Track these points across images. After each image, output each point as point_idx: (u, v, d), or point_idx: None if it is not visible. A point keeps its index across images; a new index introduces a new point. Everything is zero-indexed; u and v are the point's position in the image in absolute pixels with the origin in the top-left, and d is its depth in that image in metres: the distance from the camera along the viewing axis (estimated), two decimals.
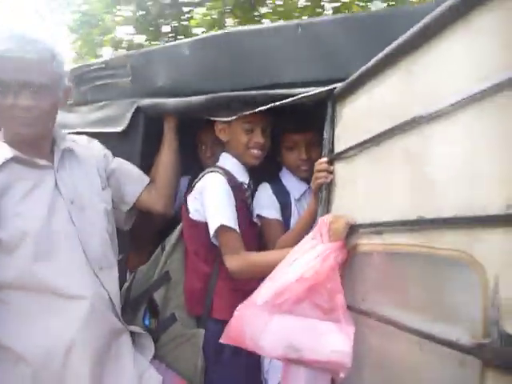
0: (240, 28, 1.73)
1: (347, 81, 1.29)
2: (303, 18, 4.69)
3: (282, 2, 5.08)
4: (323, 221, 1.25)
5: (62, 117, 1.49)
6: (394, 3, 4.90)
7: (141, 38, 5.46)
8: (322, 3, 5.00)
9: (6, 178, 1.23)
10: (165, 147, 1.70)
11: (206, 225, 1.48)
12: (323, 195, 1.37)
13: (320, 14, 4.87)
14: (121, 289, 1.51)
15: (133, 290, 1.62)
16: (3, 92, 1.21)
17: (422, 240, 0.91)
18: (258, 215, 1.67)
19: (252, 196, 1.70)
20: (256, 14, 5.29)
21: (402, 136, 1.00)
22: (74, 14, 5.37)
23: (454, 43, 0.87)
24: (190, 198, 1.57)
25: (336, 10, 4.80)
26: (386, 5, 4.63)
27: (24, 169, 1.28)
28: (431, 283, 0.88)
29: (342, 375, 1.08)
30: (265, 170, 1.75)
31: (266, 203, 1.68)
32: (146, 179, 1.64)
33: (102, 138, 1.71)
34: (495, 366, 0.69)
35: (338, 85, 1.35)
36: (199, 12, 5.37)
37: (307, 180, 1.60)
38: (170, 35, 5.59)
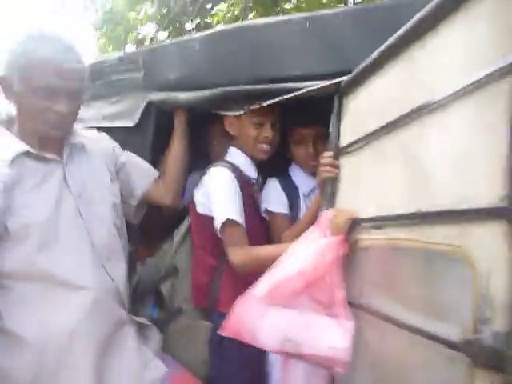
0: (249, 22, 1.72)
1: (352, 74, 1.27)
2: None
3: None
4: (325, 215, 1.24)
5: None
6: None
7: (164, 35, 5.52)
8: None
9: (16, 172, 1.25)
10: (175, 141, 1.71)
11: (212, 219, 1.49)
12: (328, 189, 1.36)
13: None
14: (130, 281, 1.53)
15: (141, 282, 1.64)
16: (39, 96, 1.24)
17: (418, 234, 0.89)
18: (265, 210, 1.67)
19: (261, 191, 1.70)
20: (278, 9, 5.26)
21: (400, 129, 0.98)
22: (98, 12, 5.46)
23: (454, 32, 0.85)
24: (197, 192, 1.57)
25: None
26: None
27: (34, 163, 1.30)
28: (426, 278, 0.86)
29: (339, 371, 1.07)
30: (274, 166, 1.74)
31: (273, 198, 1.67)
32: (155, 173, 1.66)
33: (115, 132, 1.74)
34: (483, 364, 0.67)
35: (345, 78, 1.33)
36: (221, 9, 5.38)
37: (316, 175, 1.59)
38: (193, 32, 5.62)
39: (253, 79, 1.57)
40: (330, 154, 1.36)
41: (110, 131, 1.70)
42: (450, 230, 0.79)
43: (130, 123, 1.81)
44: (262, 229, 1.65)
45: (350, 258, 1.19)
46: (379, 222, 1.06)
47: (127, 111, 1.84)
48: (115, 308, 1.37)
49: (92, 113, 1.99)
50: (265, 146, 1.62)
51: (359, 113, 1.28)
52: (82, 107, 1.89)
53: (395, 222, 0.99)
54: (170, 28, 5.56)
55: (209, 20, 5.68)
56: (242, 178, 1.56)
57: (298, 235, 1.33)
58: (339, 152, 1.35)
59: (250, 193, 1.59)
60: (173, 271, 1.61)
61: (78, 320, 1.27)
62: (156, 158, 1.76)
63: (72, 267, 1.29)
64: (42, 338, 1.24)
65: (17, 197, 1.24)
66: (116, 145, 1.63)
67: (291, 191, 1.70)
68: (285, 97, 1.45)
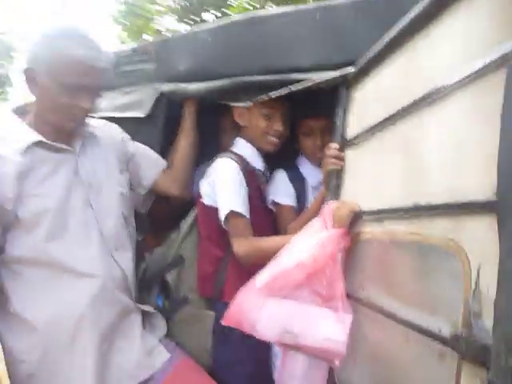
0: (258, 12, 1.71)
1: (358, 65, 1.26)
2: None
3: None
4: (328, 207, 1.23)
5: None
6: None
7: (183, 27, 5.55)
8: None
9: (29, 161, 1.27)
10: (183, 132, 1.72)
11: (217, 210, 1.50)
12: (333, 181, 1.35)
13: None
14: (137, 269, 1.56)
15: (148, 271, 1.66)
16: (65, 91, 1.26)
17: (415, 228, 0.88)
18: (272, 201, 1.67)
19: (268, 182, 1.70)
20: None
21: (401, 121, 0.97)
22: (119, 5, 5.51)
23: (456, 21, 0.83)
24: (203, 183, 1.58)
25: None
26: None
27: (47, 152, 1.32)
28: (421, 272, 0.85)
29: (336, 363, 1.07)
30: (282, 157, 1.74)
31: (281, 189, 1.67)
32: (163, 163, 1.67)
33: (127, 122, 1.76)
34: (471, 359, 0.66)
35: (351, 69, 1.32)
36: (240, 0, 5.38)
37: None
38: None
39: (262, 70, 1.56)
40: (336, 145, 1.35)
41: (121, 121, 1.72)
42: (445, 223, 0.78)
43: (141, 114, 1.82)
44: (268, 220, 1.65)
45: (351, 250, 1.18)
46: (379, 214, 1.05)
47: (139, 102, 1.86)
48: (122, 296, 1.39)
49: (105, 103, 2.01)
50: (274, 139, 1.62)
51: (365, 104, 1.26)
52: None
53: (394, 214, 0.98)
54: (190, 20, 5.58)
55: (228, 11, 5.68)
56: (248, 169, 1.56)
57: (303, 227, 1.33)
58: (345, 144, 1.34)
59: (256, 184, 1.59)
60: (179, 261, 1.62)
61: (85, 305, 1.29)
62: (166, 148, 1.78)
63: (80, 256, 1.31)
64: (49, 323, 1.27)
65: (28, 185, 1.26)
66: (125, 135, 1.65)
67: (299, 183, 1.69)
68: (292, 88, 1.44)
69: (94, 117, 1.52)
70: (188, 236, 1.65)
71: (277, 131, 1.60)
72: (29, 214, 1.25)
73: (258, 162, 1.63)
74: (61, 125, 1.33)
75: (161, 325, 1.52)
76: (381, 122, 1.08)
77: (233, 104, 1.64)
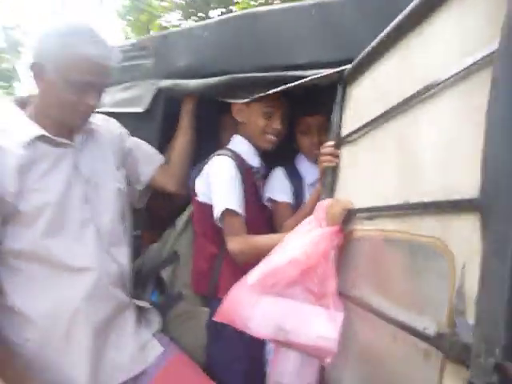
0: (255, 9, 1.70)
1: (354, 62, 1.25)
2: None
3: None
4: (321, 205, 1.23)
5: None
6: None
7: (188, 24, 5.54)
8: None
9: (31, 154, 1.27)
10: (181, 129, 1.72)
11: (212, 207, 1.49)
12: (328, 179, 1.34)
13: None
14: (133, 265, 1.56)
15: (144, 267, 1.67)
16: (73, 88, 1.26)
17: (404, 226, 0.87)
18: (269, 198, 1.67)
19: (265, 180, 1.70)
20: None
21: (394, 119, 0.96)
22: (123, 0, 5.51)
23: (447, 20, 0.82)
24: (198, 181, 1.58)
25: None
26: None
27: (48, 147, 1.32)
28: (410, 270, 0.85)
29: (328, 361, 1.07)
30: (280, 155, 1.74)
31: (277, 187, 1.67)
32: (160, 159, 1.68)
33: (125, 117, 1.77)
34: (454, 358, 0.65)
35: (348, 66, 1.31)
36: None
37: None
38: None
39: (259, 67, 1.56)
40: (332, 143, 1.35)
41: (120, 117, 1.73)
42: (432, 222, 0.77)
43: (139, 109, 1.83)
44: (264, 218, 1.65)
45: (344, 248, 1.18)
46: (371, 212, 1.05)
47: (138, 97, 1.87)
48: (117, 292, 1.40)
49: (105, 98, 2.02)
50: (272, 137, 1.62)
51: (361, 102, 1.26)
52: None
53: (385, 212, 0.97)
54: (195, 17, 5.57)
55: (234, 8, 5.67)
56: (243, 166, 1.55)
57: (298, 224, 1.33)
58: (340, 141, 1.33)
59: (251, 181, 1.59)
60: (174, 257, 1.63)
61: (80, 299, 1.30)
62: (164, 144, 1.78)
63: (77, 251, 1.31)
64: (45, 317, 1.28)
65: (30, 180, 1.26)
66: (123, 130, 1.65)
67: (296, 180, 1.69)
68: (288, 85, 1.43)
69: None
70: (183, 233, 1.66)
71: (275, 129, 1.60)
72: (30, 208, 1.25)
73: (253, 159, 1.63)
74: (66, 121, 1.34)
75: (156, 320, 1.53)
76: (374, 120, 1.07)
77: (230, 101, 1.64)
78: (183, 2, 5.67)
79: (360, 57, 1.21)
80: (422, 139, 0.83)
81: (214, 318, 1.24)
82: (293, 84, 1.41)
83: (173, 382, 1.42)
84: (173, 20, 5.68)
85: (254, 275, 1.18)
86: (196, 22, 5.71)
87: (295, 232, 1.24)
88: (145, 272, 1.65)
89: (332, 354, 1.06)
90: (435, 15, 0.86)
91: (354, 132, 1.23)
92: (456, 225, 0.70)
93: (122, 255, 1.44)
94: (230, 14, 1.77)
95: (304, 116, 1.66)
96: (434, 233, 0.76)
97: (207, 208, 1.52)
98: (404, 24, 0.96)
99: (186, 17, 5.75)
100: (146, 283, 1.64)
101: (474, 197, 0.65)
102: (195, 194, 1.59)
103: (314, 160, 1.66)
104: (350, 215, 1.17)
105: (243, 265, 1.46)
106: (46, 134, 1.30)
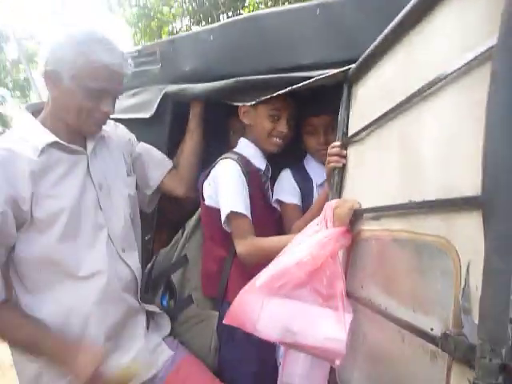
0: (261, 11, 1.70)
1: (359, 61, 1.24)
2: None
3: None
4: (329, 205, 1.22)
5: None
6: None
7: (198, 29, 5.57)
8: None
9: (46, 161, 1.28)
10: (189, 132, 1.73)
11: (219, 211, 1.49)
12: (335, 180, 1.33)
13: None
14: (144, 269, 1.57)
15: (154, 271, 1.68)
16: (89, 95, 1.28)
17: (409, 226, 0.86)
18: (277, 200, 1.66)
19: (271, 182, 1.70)
20: None
21: (397, 117, 0.95)
22: (133, 8, 5.56)
23: (448, 16, 0.81)
24: (205, 185, 1.58)
25: None
26: None
27: (61, 153, 1.33)
28: (416, 270, 0.84)
29: (337, 362, 1.06)
30: (289, 157, 1.73)
31: (285, 188, 1.66)
32: (169, 163, 1.69)
33: (133, 123, 1.78)
34: (459, 359, 0.64)
35: (353, 66, 1.30)
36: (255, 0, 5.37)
37: None
38: None
39: (264, 69, 1.56)
40: (338, 143, 1.34)
41: (128, 123, 1.74)
42: (437, 220, 0.76)
43: (147, 115, 1.84)
44: (272, 220, 1.64)
45: (352, 249, 1.17)
46: (378, 212, 1.04)
47: (145, 103, 1.88)
48: (127, 297, 1.40)
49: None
50: (278, 140, 1.61)
51: (366, 101, 1.24)
52: None
53: (391, 212, 0.96)
54: (204, 22, 5.60)
55: (243, 12, 5.69)
56: (250, 169, 1.55)
57: (306, 225, 1.32)
58: (347, 141, 1.32)
59: (258, 184, 1.59)
60: (183, 260, 1.63)
61: (92, 303, 1.30)
62: (172, 149, 1.79)
63: (90, 257, 1.32)
64: (58, 322, 1.29)
65: (44, 186, 1.27)
66: (132, 136, 1.66)
67: (305, 182, 1.68)
68: (294, 87, 1.43)
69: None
70: (192, 236, 1.66)
71: (281, 132, 1.60)
72: (44, 214, 1.25)
73: (260, 162, 1.63)
74: (82, 128, 1.35)
75: (165, 324, 1.54)
76: (379, 119, 1.06)
77: (236, 103, 1.64)
78: (192, 7, 5.70)
79: (363, 56, 1.20)
80: (425, 137, 0.82)
81: (224, 321, 1.24)
82: (298, 85, 1.41)
83: (183, 383, 1.42)
84: (183, 26, 5.71)
85: (262, 277, 1.17)
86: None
87: (303, 233, 1.23)
88: (155, 276, 1.66)
89: (340, 355, 1.05)
90: (435, 12, 0.85)
91: (360, 131, 1.22)
92: (460, 223, 0.69)
93: (133, 260, 1.45)
94: (234, 18, 1.77)
95: (310, 117, 1.65)
96: (438, 232, 0.75)
97: (214, 212, 1.52)
98: (405, 22, 0.95)
99: (196, 22, 5.78)
100: (156, 287, 1.64)
101: (476, 194, 0.63)
102: (203, 198, 1.59)
103: (322, 160, 1.65)
104: (357, 215, 1.16)
105: (252, 267, 1.46)
106: (60, 141, 1.31)
